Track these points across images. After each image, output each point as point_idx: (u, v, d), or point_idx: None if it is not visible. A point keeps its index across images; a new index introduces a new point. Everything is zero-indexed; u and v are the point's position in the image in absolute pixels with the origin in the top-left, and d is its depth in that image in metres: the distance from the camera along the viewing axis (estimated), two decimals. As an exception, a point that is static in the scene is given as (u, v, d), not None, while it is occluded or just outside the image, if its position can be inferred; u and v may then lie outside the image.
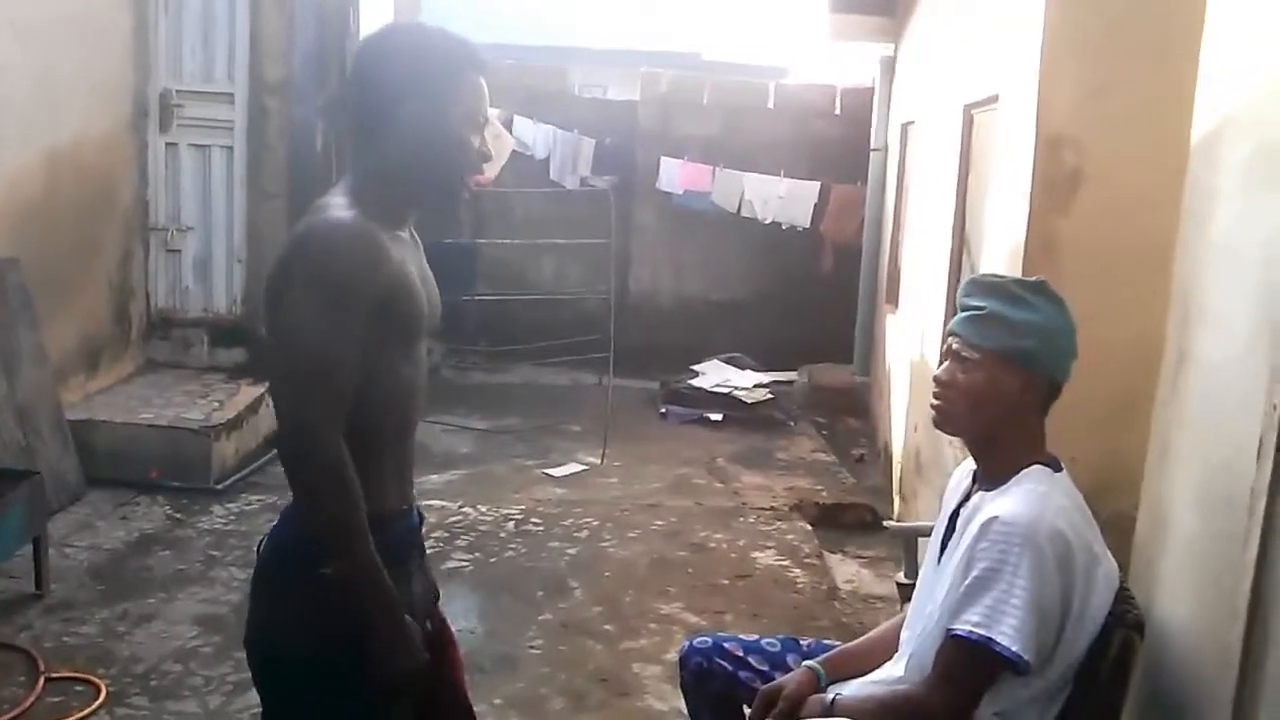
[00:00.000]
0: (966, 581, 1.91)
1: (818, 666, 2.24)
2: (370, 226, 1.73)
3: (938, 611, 2.00)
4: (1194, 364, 2.09)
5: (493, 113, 6.52)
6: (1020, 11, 3.42)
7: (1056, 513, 1.91)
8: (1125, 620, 1.97)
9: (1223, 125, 2.06)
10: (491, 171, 8.17)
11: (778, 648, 2.45)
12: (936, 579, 2.08)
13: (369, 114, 1.81)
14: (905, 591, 4.34)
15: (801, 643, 2.49)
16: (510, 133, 8.33)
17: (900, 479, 5.70)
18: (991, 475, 2.04)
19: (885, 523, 5.51)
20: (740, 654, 2.43)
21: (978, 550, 1.90)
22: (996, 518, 1.90)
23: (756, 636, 2.53)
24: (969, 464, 2.15)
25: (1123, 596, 2.00)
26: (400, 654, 1.72)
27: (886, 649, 2.24)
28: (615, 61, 12.46)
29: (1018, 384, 1.97)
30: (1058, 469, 2.01)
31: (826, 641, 2.51)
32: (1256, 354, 1.78)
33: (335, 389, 1.67)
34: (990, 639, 1.85)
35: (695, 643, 2.50)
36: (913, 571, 4.34)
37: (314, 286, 1.67)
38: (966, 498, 2.11)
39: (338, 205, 1.75)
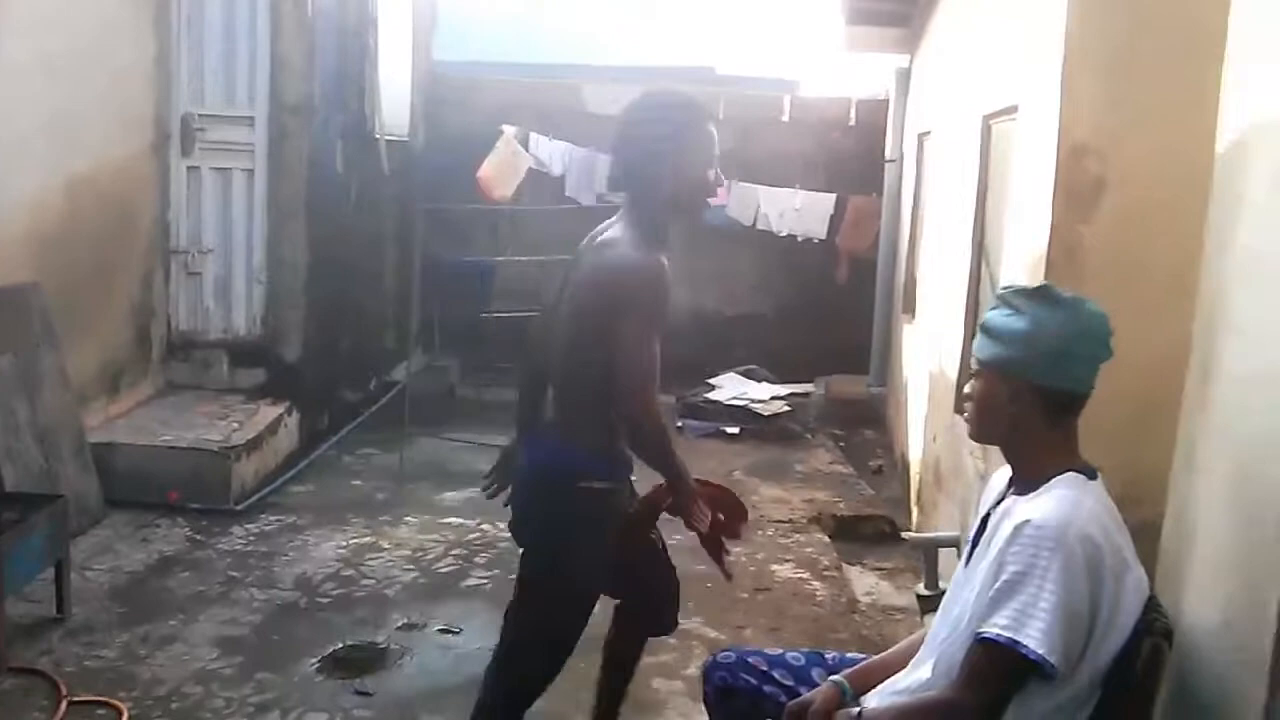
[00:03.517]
0: (996, 585, 1.90)
1: (843, 681, 2.23)
2: (663, 263, 2.52)
3: (967, 614, 1.98)
4: (1222, 372, 2.06)
5: (509, 130, 6.71)
6: (1040, 22, 3.41)
7: (1088, 518, 1.90)
8: (1154, 628, 1.95)
9: (1249, 133, 2.03)
10: (508, 189, 8.21)
11: (802, 661, 2.45)
12: (965, 581, 2.07)
13: (645, 166, 2.57)
14: (925, 603, 4.33)
15: (826, 656, 2.48)
16: (527, 150, 8.35)
17: (918, 490, 5.66)
18: (1024, 481, 2.04)
19: (904, 534, 5.47)
20: (765, 668, 2.42)
21: (1009, 553, 1.90)
22: (1029, 521, 1.89)
23: (781, 650, 2.52)
24: (1007, 469, 2.14)
25: (1151, 605, 1.98)
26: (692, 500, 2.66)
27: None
28: (628, 78, 12.45)
29: (1007, 393, 2.00)
30: (1092, 477, 2.00)
31: (851, 655, 2.50)
32: (1288, 363, 1.75)
33: (655, 375, 2.49)
34: (1017, 641, 1.84)
35: (719, 657, 2.49)
36: (933, 583, 4.33)
37: (642, 314, 2.47)
38: (1000, 501, 2.11)
39: (634, 244, 2.54)
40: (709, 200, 2.70)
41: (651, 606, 3.06)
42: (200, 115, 6.33)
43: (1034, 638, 1.82)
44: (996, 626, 1.86)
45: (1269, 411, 1.80)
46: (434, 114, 8.83)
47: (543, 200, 8.52)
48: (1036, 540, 1.86)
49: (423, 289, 8.77)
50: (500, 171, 8.19)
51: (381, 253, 8.09)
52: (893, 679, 2.21)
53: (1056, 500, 1.93)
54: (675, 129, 2.55)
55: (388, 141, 7.60)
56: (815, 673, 2.40)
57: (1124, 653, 1.91)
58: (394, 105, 7.86)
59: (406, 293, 8.56)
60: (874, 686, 2.22)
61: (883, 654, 2.37)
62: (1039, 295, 2.01)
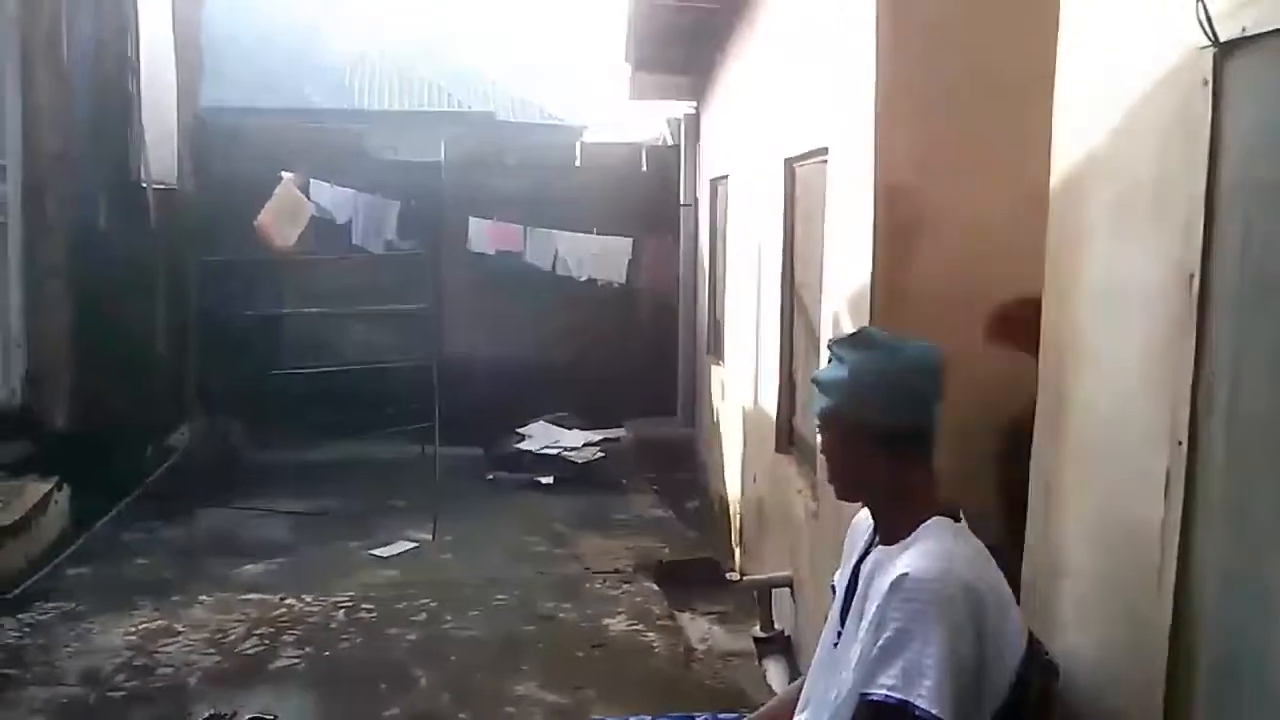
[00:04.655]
0: (879, 643, 1.84)
1: None
2: None
3: (851, 676, 1.92)
4: (1077, 404, 2.10)
5: (288, 176, 6.42)
6: (849, 66, 3.49)
7: (965, 565, 1.87)
8: (1039, 665, 1.95)
9: (1085, 166, 2.10)
10: (289, 238, 7.81)
11: (676, 730, 2.34)
12: (844, 639, 2.01)
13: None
14: (762, 646, 4.31)
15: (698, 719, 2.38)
16: (308, 197, 7.98)
17: (740, 531, 5.69)
18: (890, 530, 1.99)
19: (730, 575, 5.47)
20: (638, 741, 2.29)
21: (889, 610, 1.84)
22: (906, 575, 1.84)
23: (650, 718, 2.41)
24: (864, 516, 2.10)
25: (1032, 641, 1.98)
26: None
27: (787, 717, 2.15)
28: (408, 123, 12.24)
29: (843, 440, 2.00)
30: (957, 519, 1.98)
31: (723, 716, 2.41)
32: (1151, 391, 1.79)
33: None
34: (908, 701, 1.78)
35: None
36: (768, 624, 4.32)
37: None
38: (866, 552, 2.06)
39: None
40: None
41: None
42: (-58, 166, 5.71)
43: (924, 696, 1.76)
44: (884, 687, 1.80)
45: (1135, 440, 1.84)
46: (205, 161, 8.34)
47: (329, 249, 8.17)
48: (916, 594, 1.81)
49: (201, 346, 8.22)
50: (280, 219, 7.79)
51: (153, 309, 7.52)
52: None
53: (930, 550, 1.88)
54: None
55: (155, 191, 7.11)
56: (690, 739, 2.30)
57: (1013, 694, 1.90)
58: (161, 153, 7.38)
59: (182, 351, 7.99)
60: None
61: (757, 713, 2.30)
62: (856, 340, 2.03)
